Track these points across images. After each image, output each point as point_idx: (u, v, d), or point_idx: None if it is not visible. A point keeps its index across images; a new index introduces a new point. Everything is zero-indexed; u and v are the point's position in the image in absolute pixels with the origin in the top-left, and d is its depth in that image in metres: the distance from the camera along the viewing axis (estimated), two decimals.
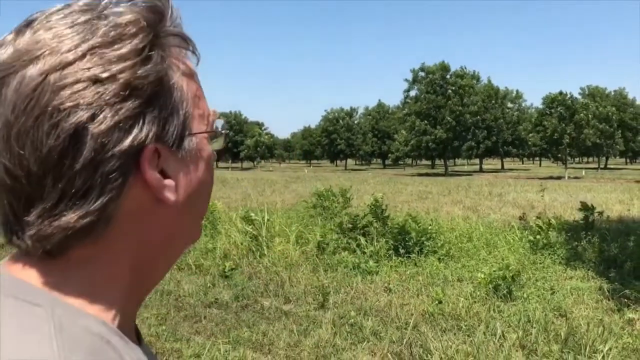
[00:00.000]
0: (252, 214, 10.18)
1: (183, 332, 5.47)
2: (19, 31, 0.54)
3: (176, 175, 0.59)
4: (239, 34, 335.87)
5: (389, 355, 4.72)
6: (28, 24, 0.55)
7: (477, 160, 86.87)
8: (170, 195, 0.58)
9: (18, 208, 0.54)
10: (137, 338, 0.66)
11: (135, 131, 0.53)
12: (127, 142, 0.53)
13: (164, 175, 0.58)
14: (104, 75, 0.51)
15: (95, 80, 0.51)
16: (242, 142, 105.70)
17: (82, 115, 0.51)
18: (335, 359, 4.67)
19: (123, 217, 0.56)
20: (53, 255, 0.55)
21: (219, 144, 0.68)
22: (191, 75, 0.62)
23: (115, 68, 0.52)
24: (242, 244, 9.08)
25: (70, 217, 0.52)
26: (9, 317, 0.51)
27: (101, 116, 0.51)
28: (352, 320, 5.71)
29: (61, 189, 0.52)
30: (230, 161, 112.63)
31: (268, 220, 9.88)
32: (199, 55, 0.64)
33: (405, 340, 5.05)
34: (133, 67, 0.53)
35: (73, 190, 0.52)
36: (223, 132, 0.69)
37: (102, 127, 0.51)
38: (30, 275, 0.55)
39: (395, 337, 5.17)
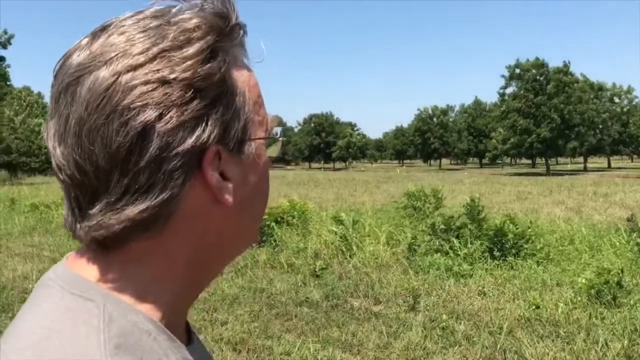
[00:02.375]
0: (342, 214, 10.23)
1: (274, 329, 5.58)
2: (95, 35, 0.57)
3: (235, 179, 0.61)
4: (331, 34, 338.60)
5: None
6: (104, 28, 0.58)
7: (581, 159, 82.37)
8: (228, 198, 0.60)
9: (84, 201, 0.56)
10: (188, 336, 0.68)
11: (198, 131, 0.56)
12: (191, 141, 0.55)
13: (224, 177, 0.60)
14: (172, 76, 0.54)
15: (164, 82, 0.54)
16: (334, 143, 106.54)
17: (150, 114, 0.53)
18: None
19: (182, 215, 0.58)
20: (111, 247, 0.57)
21: (274, 150, 0.69)
22: (254, 80, 0.65)
23: (181, 70, 0.55)
24: (332, 243, 9.15)
25: (131, 211, 0.55)
26: (64, 310, 0.55)
27: (168, 116, 0.54)
28: (444, 323, 5.58)
29: (126, 184, 0.54)
30: (322, 162, 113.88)
31: (358, 220, 9.89)
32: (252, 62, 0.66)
33: (499, 346, 4.88)
34: (196, 66, 0.55)
35: (137, 186, 0.54)
36: (280, 139, 0.70)
37: (168, 126, 0.54)
38: (89, 271, 0.58)
39: (488, 343, 5.00)
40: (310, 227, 10.35)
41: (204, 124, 0.56)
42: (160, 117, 0.53)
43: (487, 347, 4.90)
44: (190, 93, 0.55)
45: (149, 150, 0.54)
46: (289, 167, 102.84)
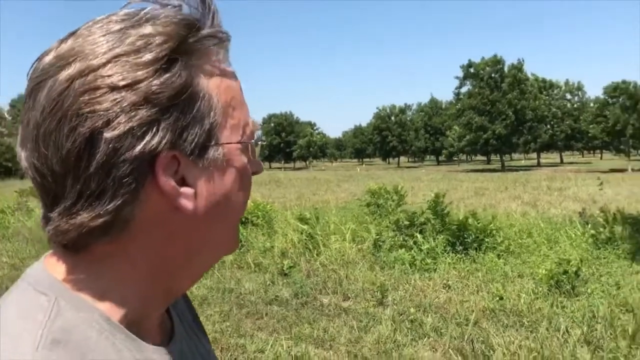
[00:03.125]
0: (307, 213, 10.31)
1: (246, 328, 5.61)
2: (64, 39, 0.58)
3: (197, 184, 0.60)
4: (288, 33, 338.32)
5: (450, 351, 4.72)
6: (74, 31, 0.58)
7: (534, 155, 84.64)
8: (187, 203, 0.59)
9: (48, 204, 0.58)
10: (171, 337, 0.71)
11: (147, 137, 0.55)
12: (139, 148, 0.54)
13: (185, 183, 0.59)
14: (122, 83, 0.54)
15: (113, 88, 0.53)
16: (294, 143, 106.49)
17: (97, 121, 0.53)
18: (396, 355, 4.70)
19: (141, 221, 0.58)
20: (74, 250, 0.59)
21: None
22: (226, 84, 0.63)
23: (133, 76, 0.54)
24: (298, 242, 9.21)
25: (84, 217, 0.55)
26: (15, 303, 0.58)
27: (115, 122, 0.53)
28: (412, 316, 5.72)
29: (79, 189, 0.55)
30: (283, 162, 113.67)
31: (323, 219, 9.98)
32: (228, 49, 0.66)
33: (466, 337, 5.04)
34: (152, 76, 0.55)
35: (88, 192, 0.55)
36: (258, 143, 0.70)
37: (116, 132, 0.53)
38: (57, 269, 0.60)
39: (456, 334, 5.16)
40: (276, 226, 10.39)
41: (154, 130, 0.55)
42: (107, 123, 0.53)
43: (455, 338, 5.06)
44: (140, 99, 0.54)
45: (96, 157, 0.53)
46: None
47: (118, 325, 0.60)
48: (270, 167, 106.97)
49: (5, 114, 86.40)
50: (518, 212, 12.84)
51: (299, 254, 8.76)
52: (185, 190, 0.59)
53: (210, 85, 0.60)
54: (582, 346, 4.72)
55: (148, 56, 0.55)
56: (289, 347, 4.93)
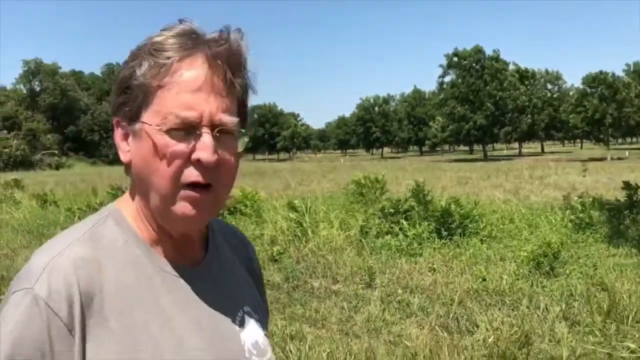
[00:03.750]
0: (296, 201, 10.52)
1: None
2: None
3: (131, 145, 0.90)
4: (270, 24, 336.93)
5: (437, 327, 4.97)
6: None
7: (516, 145, 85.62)
8: (121, 155, 0.92)
9: None
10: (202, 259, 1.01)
11: (111, 105, 0.92)
12: (110, 111, 0.95)
13: (127, 140, 0.91)
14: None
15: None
16: (278, 134, 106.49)
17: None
18: (386, 332, 4.94)
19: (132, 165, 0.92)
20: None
21: (242, 144, 0.93)
22: (165, 83, 0.85)
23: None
24: (287, 230, 9.41)
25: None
26: (89, 218, 0.94)
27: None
28: (400, 297, 5.98)
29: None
30: (267, 153, 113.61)
31: (311, 207, 10.19)
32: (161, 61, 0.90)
33: (451, 315, 5.30)
34: (122, 69, 0.89)
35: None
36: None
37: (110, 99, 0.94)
38: (119, 200, 0.98)
39: (442, 312, 5.42)
40: (264, 215, 10.58)
41: (114, 101, 0.90)
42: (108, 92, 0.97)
43: (441, 316, 5.32)
44: (117, 84, 0.90)
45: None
46: None
47: (142, 241, 0.91)
48: (254, 159, 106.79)
49: None
50: (500, 199, 13.16)
51: (288, 241, 8.97)
52: (123, 145, 0.91)
53: (151, 81, 0.86)
54: (560, 322, 4.99)
55: (128, 59, 0.93)
56: (283, 327, 5.14)
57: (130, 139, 0.89)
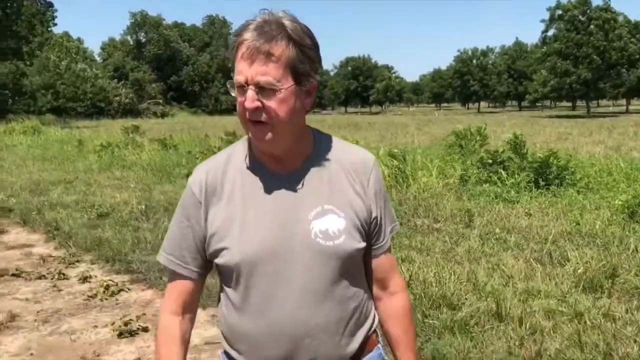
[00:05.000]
0: (395, 150, 11.18)
1: None
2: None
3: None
4: None
5: (531, 260, 5.60)
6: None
7: (623, 102, 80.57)
8: None
9: None
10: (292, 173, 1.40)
11: None
12: None
13: None
14: None
15: None
16: (371, 87, 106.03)
17: None
18: (484, 261, 5.63)
19: None
20: None
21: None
22: (234, 57, 1.27)
23: None
24: (389, 176, 10.13)
25: None
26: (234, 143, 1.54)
27: None
28: (497, 235, 6.61)
29: None
30: (359, 106, 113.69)
31: (409, 156, 10.83)
32: (236, 41, 1.28)
33: (545, 251, 5.89)
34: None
35: None
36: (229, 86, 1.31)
37: None
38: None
39: (536, 248, 6.02)
40: None
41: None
42: None
43: (535, 251, 5.92)
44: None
45: None
46: (324, 112, 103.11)
47: (255, 155, 1.38)
48: (346, 112, 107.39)
49: (96, 56, 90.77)
50: (601, 155, 13.17)
51: (390, 187, 9.70)
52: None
53: (238, 57, 1.25)
54: None
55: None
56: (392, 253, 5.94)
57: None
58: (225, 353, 1.46)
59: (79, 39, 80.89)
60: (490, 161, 10.03)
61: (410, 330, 1.54)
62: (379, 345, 1.53)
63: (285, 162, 1.37)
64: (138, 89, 77.52)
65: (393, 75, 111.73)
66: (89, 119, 53.06)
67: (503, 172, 9.49)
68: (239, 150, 1.43)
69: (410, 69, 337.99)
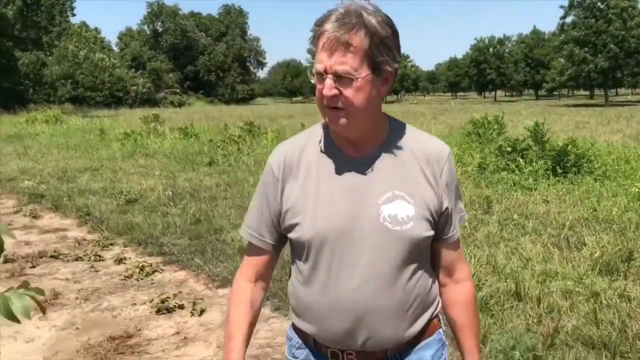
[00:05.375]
0: None
1: None
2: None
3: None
4: None
5: (549, 244, 5.78)
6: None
7: None
8: None
9: None
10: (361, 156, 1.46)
11: None
12: None
13: None
14: None
15: None
16: None
17: None
18: (503, 245, 5.81)
19: None
20: None
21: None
22: (320, 46, 1.32)
23: None
24: None
25: None
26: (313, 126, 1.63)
27: None
28: (515, 221, 6.78)
29: None
30: None
31: None
32: (315, 32, 1.34)
33: (562, 236, 6.06)
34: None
35: None
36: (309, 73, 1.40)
37: None
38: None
39: (554, 233, 6.19)
40: None
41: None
42: None
43: (553, 236, 6.09)
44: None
45: None
46: None
47: (331, 138, 1.46)
48: None
49: (113, 46, 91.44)
50: (618, 142, 13.22)
51: None
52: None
53: (320, 46, 1.32)
54: None
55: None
56: None
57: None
58: (293, 325, 1.57)
59: (96, 29, 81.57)
60: (509, 149, 10.17)
61: (474, 317, 1.56)
62: (441, 329, 1.57)
63: (359, 147, 1.43)
64: (155, 78, 78.05)
65: (409, 64, 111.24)
66: (107, 108, 53.57)
67: (521, 160, 9.63)
68: (317, 133, 1.50)
69: (426, 57, 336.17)
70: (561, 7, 65.55)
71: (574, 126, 22.63)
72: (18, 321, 0.94)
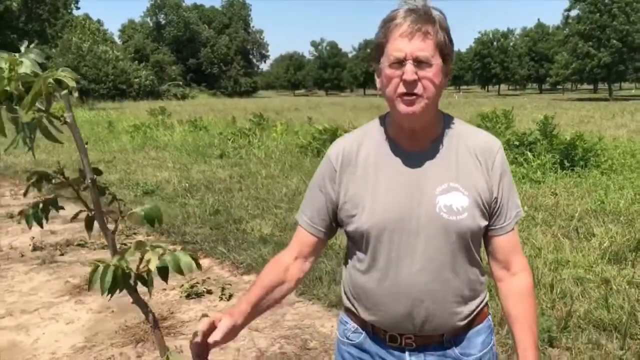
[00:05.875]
0: None
1: None
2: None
3: (380, 74, 1.45)
4: None
5: (559, 235, 5.99)
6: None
7: None
8: (377, 83, 1.48)
9: None
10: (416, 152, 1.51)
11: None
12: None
13: (379, 74, 1.47)
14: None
15: None
16: None
17: None
18: None
19: None
20: None
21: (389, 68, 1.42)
22: (388, 39, 1.39)
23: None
24: None
25: None
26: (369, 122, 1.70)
27: None
28: (525, 213, 6.96)
29: None
30: (377, 88, 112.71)
31: None
32: (386, 30, 1.40)
33: (572, 227, 6.27)
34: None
35: None
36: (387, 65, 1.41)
37: None
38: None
39: (563, 224, 6.40)
40: None
41: (373, 52, 1.48)
42: None
43: (562, 227, 6.30)
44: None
45: None
46: (343, 94, 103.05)
47: (389, 133, 1.52)
48: (365, 94, 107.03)
49: (116, 38, 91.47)
50: (624, 137, 13.40)
51: None
52: (377, 78, 1.47)
53: (389, 41, 1.39)
54: None
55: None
56: None
57: (377, 73, 1.46)
58: (347, 310, 1.65)
59: (98, 21, 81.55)
60: (517, 143, 10.37)
61: (531, 311, 1.53)
62: (489, 317, 1.63)
63: (416, 141, 1.49)
64: (158, 70, 78.06)
65: None
66: (111, 101, 53.73)
67: (529, 154, 9.83)
68: (374, 128, 1.57)
69: None
70: None
71: (579, 120, 22.81)
72: (182, 273, 1.20)
